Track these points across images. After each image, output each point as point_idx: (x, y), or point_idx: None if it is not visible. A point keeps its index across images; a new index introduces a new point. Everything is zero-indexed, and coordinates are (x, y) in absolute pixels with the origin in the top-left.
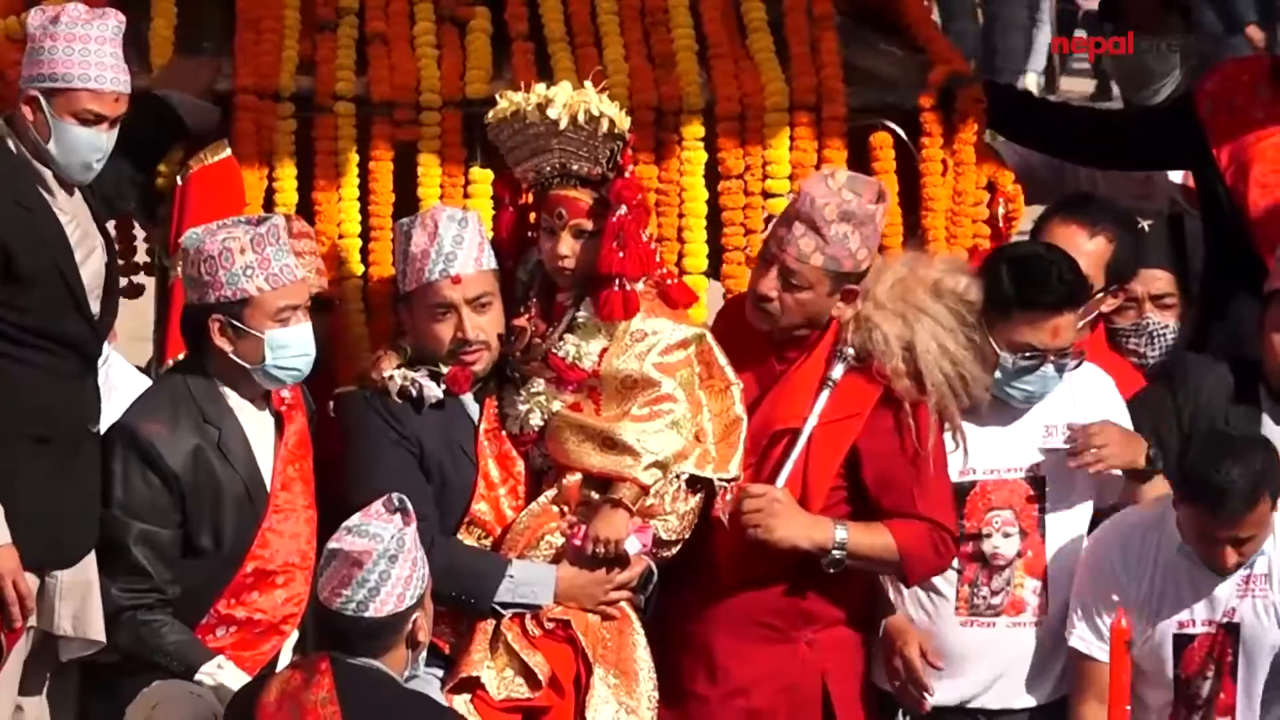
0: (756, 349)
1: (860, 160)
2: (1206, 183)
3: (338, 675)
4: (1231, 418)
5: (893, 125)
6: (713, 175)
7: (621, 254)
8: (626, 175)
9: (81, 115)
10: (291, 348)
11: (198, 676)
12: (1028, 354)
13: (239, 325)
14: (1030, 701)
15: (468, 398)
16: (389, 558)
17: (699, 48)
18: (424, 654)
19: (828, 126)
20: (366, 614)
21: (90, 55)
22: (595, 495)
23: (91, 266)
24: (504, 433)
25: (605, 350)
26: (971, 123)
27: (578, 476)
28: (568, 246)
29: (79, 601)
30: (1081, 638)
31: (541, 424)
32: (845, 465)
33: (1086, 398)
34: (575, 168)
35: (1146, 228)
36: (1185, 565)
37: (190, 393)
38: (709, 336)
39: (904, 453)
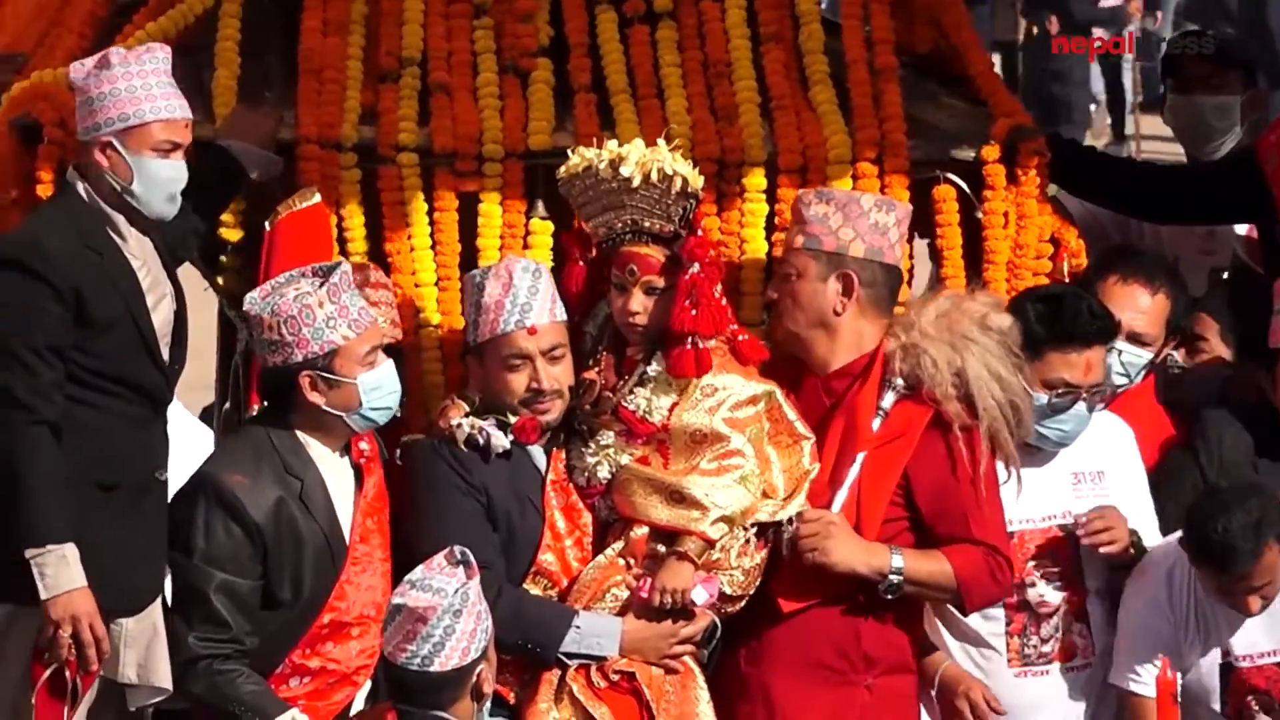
0: (806, 391)
1: (923, 212)
2: (1269, 235)
3: None
4: (1260, 468)
5: (955, 178)
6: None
7: (694, 312)
8: (699, 233)
9: (159, 147)
10: (384, 387)
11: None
12: (1062, 391)
13: (330, 377)
14: None
15: (535, 449)
16: (453, 613)
17: (761, 100)
18: (489, 704)
19: (890, 179)
20: (431, 669)
21: (152, 88)
22: (662, 548)
23: (162, 313)
24: (570, 484)
25: (675, 405)
26: (1034, 176)
27: (645, 530)
28: (639, 303)
29: (143, 650)
30: (1134, 677)
31: (609, 476)
32: (901, 494)
33: (1110, 448)
34: (648, 225)
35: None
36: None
37: (272, 443)
38: (778, 393)
39: (956, 478)
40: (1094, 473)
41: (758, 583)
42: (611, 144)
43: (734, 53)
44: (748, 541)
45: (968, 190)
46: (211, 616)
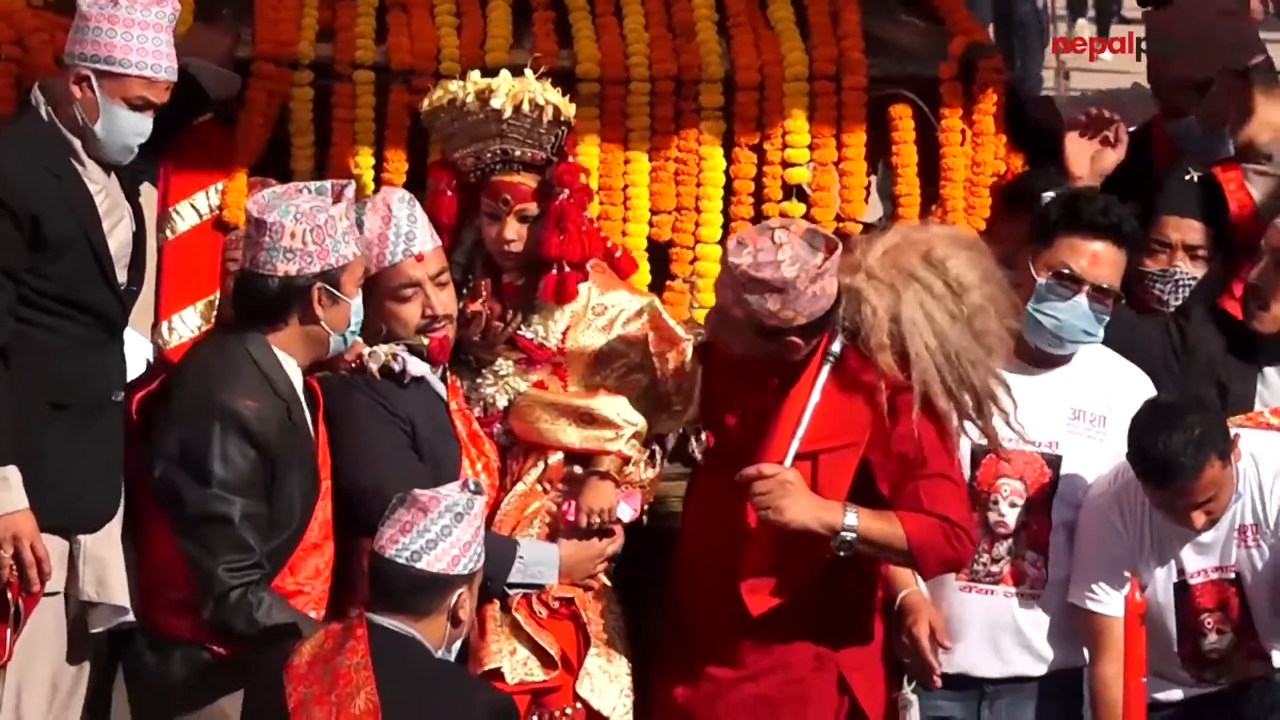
0: (754, 371)
1: (880, 130)
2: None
3: (373, 640)
4: (1229, 366)
5: (912, 96)
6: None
7: (561, 237)
8: (570, 159)
9: (132, 101)
10: (360, 312)
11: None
12: (1061, 276)
13: (335, 292)
14: (1032, 672)
15: (434, 378)
16: (455, 514)
17: (719, 17)
18: (459, 641)
19: (848, 96)
20: (418, 565)
21: (148, 42)
22: (578, 469)
23: (119, 236)
24: (469, 412)
25: (569, 328)
26: (991, 93)
27: (559, 455)
28: (514, 231)
29: (101, 567)
30: (1091, 595)
31: (506, 404)
32: (860, 481)
33: (1121, 396)
34: (519, 154)
35: (1195, 178)
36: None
37: (254, 360)
38: (657, 302)
39: (901, 452)
40: (1096, 415)
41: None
42: (475, 75)
43: None
44: (652, 454)
45: (925, 108)
46: (238, 544)
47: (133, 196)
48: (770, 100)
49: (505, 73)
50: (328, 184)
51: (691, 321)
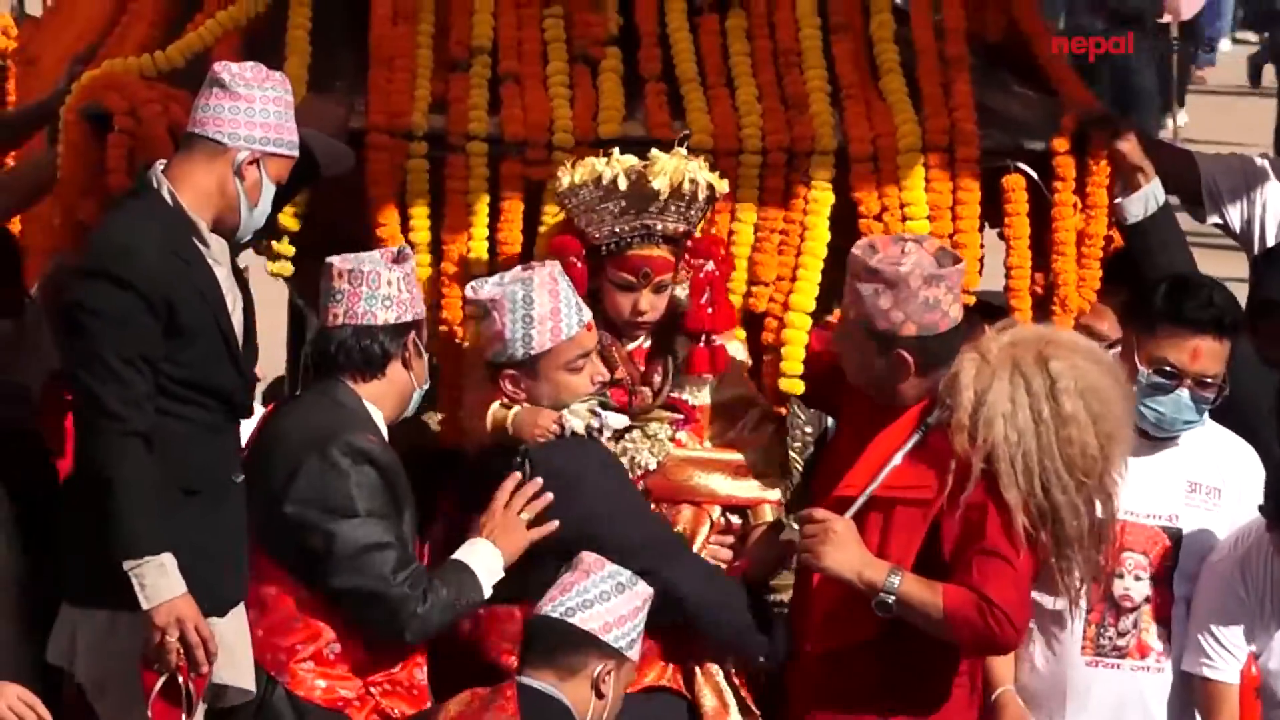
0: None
1: (993, 202)
2: None
3: (522, 701)
4: None
5: (1025, 167)
6: (837, 218)
7: (711, 310)
8: (709, 231)
9: (280, 179)
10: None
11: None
12: (1162, 371)
13: (421, 346)
14: None
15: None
16: (617, 584)
17: (831, 89)
18: (602, 718)
19: (961, 168)
20: (570, 620)
21: (289, 120)
22: (736, 520)
23: (237, 316)
24: None
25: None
26: (1104, 166)
27: (719, 510)
28: (649, 303)
29: (231, 650)
30: (1208, 662)
31: (655, 464)
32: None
33: (1232, 469)
34: (664, 229)
35: None
36: None
37: (356, 413)
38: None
39: (971, 529)
40: (1211, 488)
41: None
42: (621, 156)
43: (804, 41)
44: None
45: (1038, 180)
46: (403, 561)
47: (239, 274)
48: (884, 172)
49: (659, 153)
50: (377, 253)
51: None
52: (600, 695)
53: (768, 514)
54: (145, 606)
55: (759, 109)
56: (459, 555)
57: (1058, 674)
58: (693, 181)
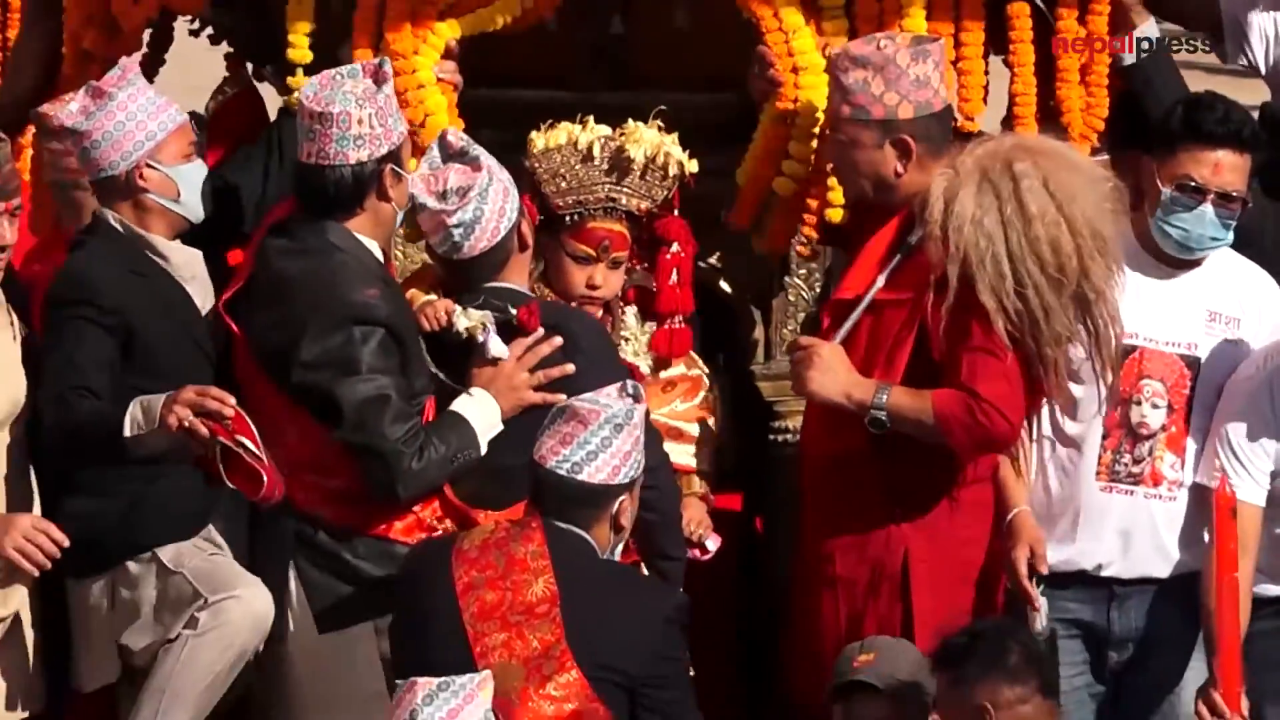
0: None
1: (998, 31)
2: None
3: (548, 535)
4: None
5: None
6: None
7: (680, 292)
8: (674, 213)
9: (186, 152)
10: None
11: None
12: (1185, 186)
13: (400, 171)
14: (1159, 573)
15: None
16: (614, 425)
17: None
18: (621, 545)
19: None
20: (579, 476)
21: (153, 103)
22: None
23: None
24: None
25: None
26: None
27: None
28: (604, 276)
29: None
30: (1230, 479)
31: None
32: (919, 356)
33: (1252, 298)
34: (628, 204)
35: None
36: None
37: (346, 253)
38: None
39: (963, 336)
40: (1231, 318)
41: None
42: (598, 127)
43: None
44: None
45: (1043, 7)
46: (400, 414)
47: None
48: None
49: (637, 124)
50: (358, 66)
51: None
52: (619, 528)
53: (696, 485)
54: (145, 427)
55: None
56: (457, 407)
57: (1072, 498)
58: (666, 154)
